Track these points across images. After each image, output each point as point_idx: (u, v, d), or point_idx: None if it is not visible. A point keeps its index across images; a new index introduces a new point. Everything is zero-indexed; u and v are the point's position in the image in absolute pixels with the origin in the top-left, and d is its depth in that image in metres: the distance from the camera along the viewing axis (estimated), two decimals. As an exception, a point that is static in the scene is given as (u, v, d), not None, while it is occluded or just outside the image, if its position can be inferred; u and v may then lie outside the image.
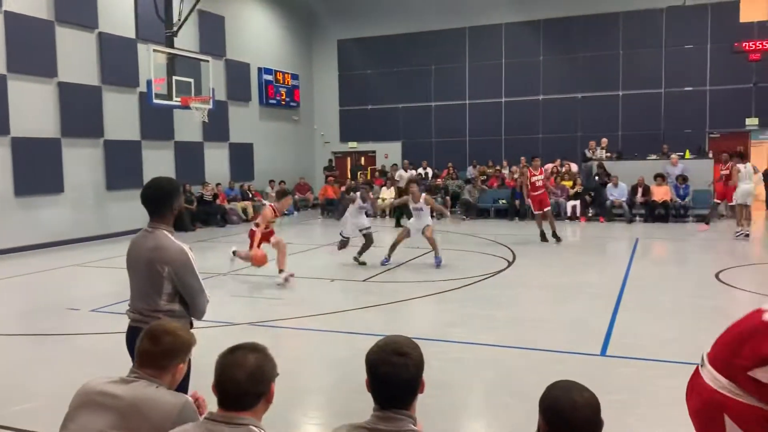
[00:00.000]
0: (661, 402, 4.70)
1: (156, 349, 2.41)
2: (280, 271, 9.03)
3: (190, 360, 3.24)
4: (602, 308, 7.44)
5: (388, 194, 19.34)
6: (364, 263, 10.61)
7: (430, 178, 20.24)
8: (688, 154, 17.25)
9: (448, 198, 18.97)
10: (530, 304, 8.14)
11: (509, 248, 12.04)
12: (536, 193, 12.98)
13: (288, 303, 8.24)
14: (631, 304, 7.70)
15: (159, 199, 3.31)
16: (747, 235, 12.85)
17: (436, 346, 6.06)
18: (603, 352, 5.88)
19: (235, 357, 2.10)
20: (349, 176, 22.15)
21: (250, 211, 18.65)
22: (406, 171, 20.27)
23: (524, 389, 4.94)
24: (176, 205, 3.34)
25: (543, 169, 13.54)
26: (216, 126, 17.66)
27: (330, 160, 23.32)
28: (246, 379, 2.05)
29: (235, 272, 10.25)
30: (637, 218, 16.45)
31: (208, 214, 17.29)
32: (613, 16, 19.92)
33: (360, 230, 10.78)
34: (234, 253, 9.81)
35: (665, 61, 19.59)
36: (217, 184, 18.20)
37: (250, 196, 19.30)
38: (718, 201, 14.61)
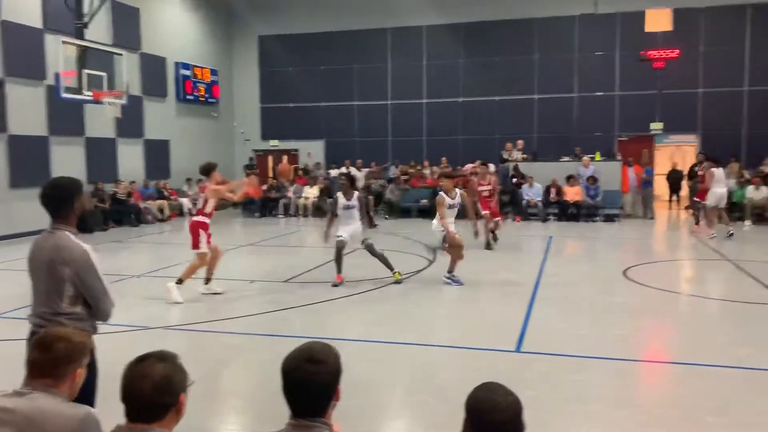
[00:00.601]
0: (570, 396, 4.90)
1: (48, 357, 2.29)
2: (208, 280, 8.45)
3: (96, 367, 3.11)
4: (518, 305, 7.68)
5: (311, 193, 19.25)
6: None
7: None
8: (598, 157, 18.05)
9: (371, 197, 19.04)
10: (449, 302, 8.30)
11: (430, 247, 12.22)
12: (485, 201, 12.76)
13: (206, 306, 8.04)
14: (545, 300, 7.99)
15: (60, 199, 3.21)
16: (731, 234, 12.99)
17: (357, 346, 6.07)
18: (518, 348, 6.08)
19: (141, 367, 2.02)
20: (271, 175, 21.85)
21: (167, 210, 18.07)
22: (359, 170, 19.93)
23: (443, 387, 5.04)
24: (78, 204, 3.24)
25: (492, 179, 13.05)
26: (130, 122, 17.02)
27: (251, 158, 22.93)
28: (152, 390, 1.98)
29: (152, 274, 9.92)
30: (551, 217, 17.07)
31: (122, 214, 16.63)
32: (529, 22, 20.58)
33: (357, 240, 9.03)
34: (208, 280, 8.37)
35: (577, 67, 20.45)
36: (132, 182, 17.53)
37: (166, 194, 18.69)
38: (697, 199, 14.84)
